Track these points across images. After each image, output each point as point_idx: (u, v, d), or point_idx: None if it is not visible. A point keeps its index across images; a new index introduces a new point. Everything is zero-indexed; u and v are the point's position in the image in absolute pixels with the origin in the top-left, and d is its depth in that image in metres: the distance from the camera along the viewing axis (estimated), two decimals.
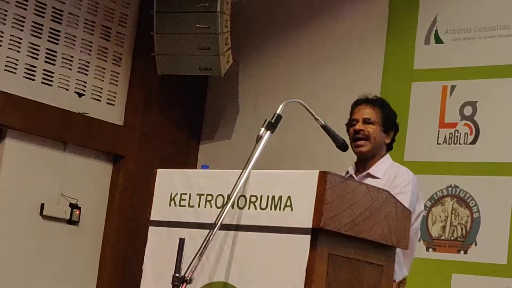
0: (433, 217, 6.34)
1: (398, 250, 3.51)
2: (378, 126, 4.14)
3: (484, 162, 6.19)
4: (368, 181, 3.99)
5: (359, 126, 4.13)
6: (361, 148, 4.11)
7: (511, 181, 6.04)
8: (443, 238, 6.27)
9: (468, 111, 6.37)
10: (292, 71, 7.20)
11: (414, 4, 6.68)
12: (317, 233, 3.05)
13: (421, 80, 6.60)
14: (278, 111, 3.48)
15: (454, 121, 6.40)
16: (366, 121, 4.13)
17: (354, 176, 4.14)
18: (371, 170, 4.11)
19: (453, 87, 6.44)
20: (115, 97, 6.99)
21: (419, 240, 6.21)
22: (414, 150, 6.40)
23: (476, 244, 6.13)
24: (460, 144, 6.34)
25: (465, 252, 6.15)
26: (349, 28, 6.97)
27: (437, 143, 6.42)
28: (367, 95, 4.28)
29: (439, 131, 6.44)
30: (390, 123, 4.19)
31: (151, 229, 3.53)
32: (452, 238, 6.24)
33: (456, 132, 6.37)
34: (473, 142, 6.29)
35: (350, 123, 4.19)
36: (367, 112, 4.16)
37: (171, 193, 3.48)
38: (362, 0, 6.92)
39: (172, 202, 3.47)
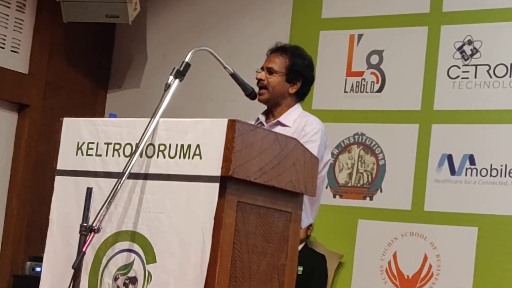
0: (340, 165, 6.43)
1: (305, 198, 3.55)
2: (280, 76, 4.13)
3: (389, 110, 6.30)
4: (278, 129, 4.01)
5: (260, 75, 4.15)
6: (260, 96, 4.14)
7: (416, 129, 6.17)
8: (349, 185, 6.38)
9: (374, 59, 6.45)
10: (201, 20, 7.16)
11: None
12: (225, 181, 3.06)
13: (329, 28, 6.64)
14: (186, 59, 3.46)
15: (361, 69, 6.48)
16: (269, 70, 4.14)
17: (265, 123, 4.16)
18: (280, 118, 4.13)
19: (360, 36, 6.51)
20: (19, 44, 6.83)
21: (326, 187, 6.31)
22: (322, 99, 6.46)
23: (381, 191, 6.25)
24: (366, 92, 6.42)
25: (371, 199, 6.28)
26: None
27: (345, 92, 6.49)
28: (280, 43, 4.27)
29: (346, 79, 6.51)
30: (295, 73, 4.17)
31: (58, 178, 3.48)
32: (359, 185, 6.35)
33: (363, 80, 6.45)
34: (379, 90, 6.38)
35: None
36: (273, 61, 4.16)
37: (78, 142, 3.43)
38: None
39: (79, 151, 3.42)
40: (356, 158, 6.40)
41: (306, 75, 4.22)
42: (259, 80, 4.13)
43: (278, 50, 4.22)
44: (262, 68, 4.18)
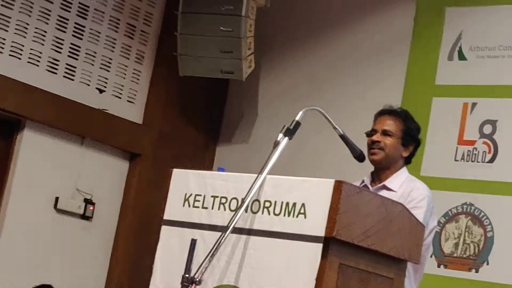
0: (446, 234, 6.31)
1: (408, 265, 3.50)
2: (396, 138, 4.12)
3: (500, 182, 6.16)
4: (383, 193, 3.97)
5: (376, 137, 4.12)
6: (374, 156, 4.10)
7: None
8: (455, 255, 6.25)
9: (487, 129, 6.34)
10: (313, 79, 7.20)
11: (439, 19, 6.66)
12: (329, 242, 3.05)
13: (442, 95, 6.58)
14: (297, 118, 3.48)
15: (473, 138, 6.37)
16: (385, 133, 4.12)
17: (369, 186, 4.13)
18: (386, 182, 4.10)
19: (474, 105, 6.42)
20: (135, 95, 7.01)
21: (431, 256, 6.19)
22: (431, 166, 6.38)
23: (488, 263, 6.09)
24: (478, 162, 6.31)
25: (477, 271, 6.12)
26: (373, 39, 6.96)
27: (455, 160, 6.39)
28: (391, 106, 4.26)
29: (457, 147, 6.41)
30: (410, 137, 4.16)
31: (164, 228, 3.53)
32: (464, 256, 6.21)
33: (475, 149, 6.35)
34: (491, 160, 6.26)
35: (370, 132, 4.18)
36: (388, 123, 4.14)
37: (186, 194, 3.48)
38: (388, 13, 6.91)
39: (186, 202, 3.47)
40: (463, 228, 6.27)
41: (418, 139, 4.20)
42: (376, 141, 4.11)
43: (391, 113, 4.20)
44: (373, 130, 4.16)
